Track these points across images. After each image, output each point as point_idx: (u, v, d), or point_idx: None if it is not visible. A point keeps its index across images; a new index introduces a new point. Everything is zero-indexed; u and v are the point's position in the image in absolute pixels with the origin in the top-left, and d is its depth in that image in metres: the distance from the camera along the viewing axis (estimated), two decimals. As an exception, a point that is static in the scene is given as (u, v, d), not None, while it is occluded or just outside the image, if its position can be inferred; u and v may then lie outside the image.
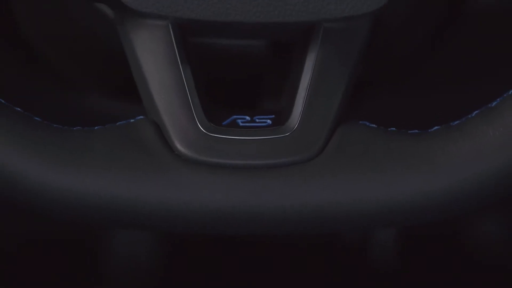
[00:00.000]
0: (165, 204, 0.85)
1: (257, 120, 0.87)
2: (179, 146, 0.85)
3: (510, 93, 0.85)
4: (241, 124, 0.86)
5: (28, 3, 1.10)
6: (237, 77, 0.93)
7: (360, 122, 0.86)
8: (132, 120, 0.86)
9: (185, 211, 0.85)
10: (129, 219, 0.86)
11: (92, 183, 0.85)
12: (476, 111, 0.86)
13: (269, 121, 0.87)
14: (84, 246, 1.42)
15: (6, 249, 1.43)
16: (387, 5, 0.84)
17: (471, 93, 0.89)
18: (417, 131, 0.86)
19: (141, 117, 0.86)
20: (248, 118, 0.87)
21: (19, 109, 0.85)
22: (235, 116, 0.87)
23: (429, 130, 0.86)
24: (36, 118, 0.86)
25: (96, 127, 0.86)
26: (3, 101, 0.85)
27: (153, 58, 0.85)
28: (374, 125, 0.86)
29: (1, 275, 1.42)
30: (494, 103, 0.86)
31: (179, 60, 0.85)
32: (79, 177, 0.85)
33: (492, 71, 0.93)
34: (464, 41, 1.13)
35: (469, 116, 0.86)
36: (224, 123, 0.86)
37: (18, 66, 1.13)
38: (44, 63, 1.14)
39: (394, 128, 0.86)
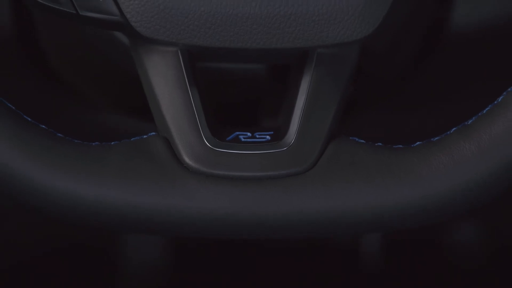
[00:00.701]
0: (175, 211, 0.84)
1: (257, 136, 0.86)
2: (187, 159, 0.84)
3: (484, 112, 0.85)
4: (243, 139, 0.86)
5: (53, 32, 1.10)
6: (239, 97, 0.92)
7: (350, 137, 0.86)
8: (145, 136, 0.86)
9: (192, 218, 0.85)
10: (141, 224, 0.86)
11: (109, 192, 0.84)
12: (454, 128, 0.86)
13: (268, 137, 0.86)
14: (99, 249, 1.41)
15: (30, 253, 1.42)
16: (373, 33, 0.83)
17: (449, 111, 0.88)
18: (401, 146, 0.86)
19: (153, 133, 0.86)
20: (249, 134, 0.86)
21: (43, 126, 0.85)
22: (237, 133, 0.86)
23: (412, 145, 0.85)
24: (59, 134, 0.85)
25: (112, 142, 0.86)
26: (29, 119, 0.85)
27: (164, 81, 0.85)
28: (362, 141, 0.86)
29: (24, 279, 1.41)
30: (470, 121, 0.85)
31: (187, 82, 0.84)
32: (98, 186, 0.84)
33: (468, 92, 0.92)
34: (443, 66, 1.12)
35: (448, 132, 0.86)
36: (227, 138, 0.85)
37: (43, 87, 1.13)
38: (66, 85, 1.14)
39: (380, 143, 0.85)
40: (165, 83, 0.85)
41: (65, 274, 1.42)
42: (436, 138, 0.85)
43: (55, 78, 1.13)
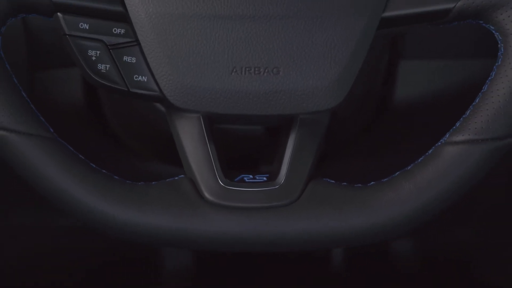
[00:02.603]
0: (198, 232, 0.84)
1: (257, 178, 0.86)
2: (206, 195, 0.84)
3: (419, 160, 0.85)
4: (246, 180, 0.86)
5: (113, 103, 1.09)
6: (244, 150, 0.92)
7: (324, 179, 0.85)
8: (176, 178, 0.85)
9: (211, 237, 0.84)
10: (173, 242, 0.85)
11: (150, 218, 0.84)
12: (398, 172, 0.85)
13: (265, 178, 0.86)
14: (141, 259, 1.40)
15: (96, 262, 1.42)
16: (339, 104, 0.83)
17: (394, 160, 0.88)
18: (360, 185, 0.85)
19: (182, 176, 0.85)
20: (251, 176, 0.86)
21: (104, 171, 0.85)
22: (243, 175, 0.86)
23: (368, 184, 0.85)
24: (115, 177, 0.85)
25: (153, 182, 0.85)
26: (94, 165, 0.84)
27: (190, 138, 0.85)
28: (332, 181, 0.85)
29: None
30: (409, 167, 0.85)
31: (206, 139, 0.84)
32: (143, 214, 0.84)
33: (407, 146, 0.91)
34: (389, 127, 1.12)
35: (393, 175, 0.85)
36: (235, 179, 0.85)
37: (104, 143, 1.12)
38: (120, 141, 1.13)
39: (345, 183, 0.85)
40: (191, 140, 0.84)
41: (117, 276, 1.42)
42: (385, 179, 0.85)
43: (113, 136, 1.13)
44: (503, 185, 1.26)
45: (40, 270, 1.39)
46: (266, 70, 0.82)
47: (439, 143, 0.84)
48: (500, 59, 0.83)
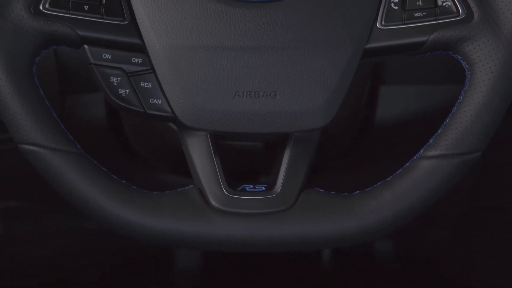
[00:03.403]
0: (205, 235, 0.84)
1: (257, 187, 0.85)
2: (213, 202, 0.84)
3: (397, 172, 0.85)
4: (248, 189, 0.85)
5: (132, 123, 1.09)
6: (246, 163, 0.92)
7: (315, 188, 0.85)
8: (186, 188, 0.85)
9: (217, 239, 0.84)
10: (183, 243, 0.85)
11: (163, 223, 0.83)
12: (379, 183, 0.85)
13: (263, 188, 0.85)
14: (155, 258, 1.40)
15: (111, 261, 1.42)
16: (328, 124, 0.83)
17: (377, 172, 0.87)
18: (346, 194, 0.85)
19: (191, 186, 0.85)
20: (252, 186, 0.86)
21: (124, 181, 0.84)
22: (244, 185, 0.86)
23: (353, 193, 0.85)
24: (133, 187, 0.85)
25: (166, 192, 0.85)
26: (115, 177, 0.84)
27: (198, 152, 0.84)
28: (322, 190, 0.85)
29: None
30: (389, 178, 0.85)
31: (212, 153, 0.84)
32: (158, 219, 0.83)
33: (387, 160, 0.91)
34: (371, 143, 1.11)
35: (375, 185, 0.85)
36: (238, 189, 0.85)
37: (124, 157, 1.12)
38: (138, 155, 1.13)
39: (334, 192, 0.85)
40: (199, 154, 0.84)
41: (134, 273, 1.42)
42: (368, 189, 0.85)
43: (131, 151, 1.13)
44: (469, 193, 1.26)
45: (67, 266, 1.38)
46: (265, 94, 0.82)
47: (415, 158, 0.84)
48: (467, 85, 0.83)
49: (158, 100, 0.83)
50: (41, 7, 0.81)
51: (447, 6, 0.83)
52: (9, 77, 0.80)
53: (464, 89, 0.83)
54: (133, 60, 0.82)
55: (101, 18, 0.82)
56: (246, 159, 0.93)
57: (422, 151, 0.84)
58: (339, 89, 0.83)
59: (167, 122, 0.87)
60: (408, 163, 0.84)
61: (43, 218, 1.31)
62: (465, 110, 0.83)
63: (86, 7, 0.81)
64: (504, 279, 1.28)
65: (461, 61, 0.84)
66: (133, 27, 0.82)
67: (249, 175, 0.90)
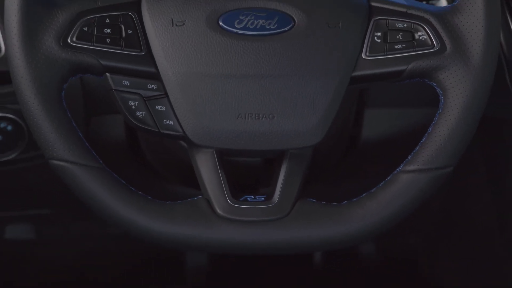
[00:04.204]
0: (212, 239, 0.83)
1: (257, 198, 0.84)
2: (218, 211, 0.83)
3: (380, 185, 0.84)
4: (249, 199, 0.84)
5: (146, 140, 1.09)
6: (247, 176, 0.91)
7: (308, 199, 0.84)
8: (195, 198, 0.84)
9: (222, 243, 0.83)
10: (192, 246, 0.84)
11: (176, 229, 0.83)
12: (364, 194, 0.84)
13: (263, 198, 0.84)
14: (168, 259, 1.40)
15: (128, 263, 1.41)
16: (320, 142, 0.83)
17: (362, 185, 0.87)
18: (335, 203, 0.84)
19: (200, 196, 0.84)
20: (253, 196, 0.85)
21: (141, 193, 0.84)
22: (246, 196, 0.85)
23: (342, 203, 0.84)
24: (149, 197, 0.84)
25: (178, 202, 0.84)
26: (133, 189, 0.83)
27: (206, 167, 0.84)
28: (314, 200, 0.84)
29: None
30: (373, 190, 0.84)
31: (218, 168, 0.83)
32: (170, 225, 0.83)
33: (373, 173, 0.91)
34: (357, 159, 1.11)
35: (361, 196, 0.84)
36: (241, 199, 0.84)
37: (140, 171, 1.12)
38: (153, 170, 1.12)
39: (324, 202, 0.84)
40: (206, 169, 0.83)
41: (150, 271, 1.41)
42: (354, 199, 0.84)
43: (147, 166, 1.12)
44: (440, 202, 1.26)
45: (91, 266, 1.38)
46: (264, 116, 0.82)
47: (396, 172, 0.83)
48: (441, 108, 0.83)
49: (170, 121, 0.82)
50: (69, 40, 0.81)
51: (423, 39, 0.82)
52: (41, 102, 0.80)
53: (438, 112, 0.83)
54: (149, 86, 0.82)
55: (121, 50, 0.81)
56: (248, 173, 0.92)
57: (402, 166, 0.83)
58: (329, 112, 0.82)
59: (179, 141, 0.86)
60: (389, 177, 0.84)
61: (70, 224, 1.30)
62: (439, 130, 0.82)
63: (108, 40, 0.81)
64: (469, 276, 1.27)
65: (435, 87, 0.83)
66: (149, 57, 0.82)
67: (250, 187, 0.89)
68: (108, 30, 0.81)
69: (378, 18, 0.83)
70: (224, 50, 0.81)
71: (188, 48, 0.81)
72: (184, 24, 0.81)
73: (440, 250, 1.35)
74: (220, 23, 0.82)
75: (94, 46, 0.81)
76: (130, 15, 0.82)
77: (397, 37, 0.83)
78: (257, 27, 0.82)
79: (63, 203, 1.09)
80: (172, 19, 0.81)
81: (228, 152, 0.83)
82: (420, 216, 0.88)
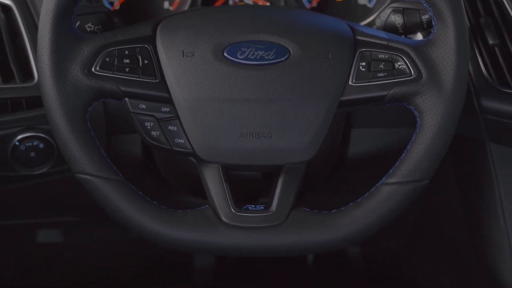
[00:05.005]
0: (218, 244, 0.82)
1: (257, 207, 0.84)
2: (223, 218, 0.82)
3: (365, 195, 0.84)
4: (250, 208, 0.83)
5: (160, 157, 1.08)
6: (248, 188, 0.90)
7: (302, 207, 0.83)
8: (203, 207, 0.83)
9: (227, 247, 0.82)
10: (200, 250, 0.83)
11: (186, 234, 0.82)
12: (351, 203, 0.84)
13: (262, 207, 0.84)
14: (179, 260, 1.39)
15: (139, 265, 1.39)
16: (312, 158, 0.82)
17: (350, 195, 0.86)
18: (326, 212, 0.84)
19: (207, 205, 0.83)
20: (253, 206, 0.84)
21: (155, 202, 0.83)
22: (247, 205, 0.84)
23: (331, 211, 0.83)
24: (162, 206, 0.83)
25: (188, 210, 0.83)
26: (148, 199, 0.83)
27: (212, 180, 0.83)
28: (307, 209, 0.83)
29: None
30: (359, 200, 0.84)
31: (223, 180, 0.83)
32: (180, 232, 0.82)
33: (359, 185, 0.90)
34: (346, 174, 1.10)
35: (349, 205, 0.84)
36: (243, 208, 0.83)
37: (155, 183, 1.11)
38: (166, 182, 1.12)
39: (316, 211, 0.83)
40: (213, 181, 0.83)
41: (163, 271, 1.40)
42: (342, 208, 0.83)
43: (161, 179, 1.11)
44: (418, 210, 1.25)
45: (111, 267, 1.37)
46: (263, 135, 0.81)
47: (378, 184, 0.83)
48: (418, 128, 0.82)
49: (181, 140, 0.81)
50: (93, 69, 0.80)
51: (402, 68, 0.82)
52: (68, 123, 0.79)
53: (415, 132, 0.82)
54: (163, 109, 0.81)
55: (138, 78, 0.81)
56: (249, 185, 0.91)
57: (384, 179, 0.83)
58: (320, 132, 0.81)
59: (189, 157, 0.86)
60: (373, 188, 0.83)
61: (93, 229, 1.29)
62: (416, 148, 0.81)
63: (127, 69, 0.81)
64: (444, 275, 1.26)
65: (413, 110, 0.83)
66: (163, 84, 0.81)
67: (251, 197, 0.88)
68: (127, 61, 0.81)
69: (362, 49, 0.83)
70: (228, 77, 0.81)
71: (196, 76, 0.81)
72: (193, 55, 0.81)
73: (417, 252, 1.34)
74: (225, 54, 0.81)
75: (115, 74, 0.81)
76: (146, 47, 0.82)
77: (380, 66, 0.82)
78: (257, 57, 0.81)
79: (87, 211, 1.08)
80: (182, 51, 0.81)
81: (232, 166, 0.83)
82: (400, 222, 0.86)
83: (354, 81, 0.82)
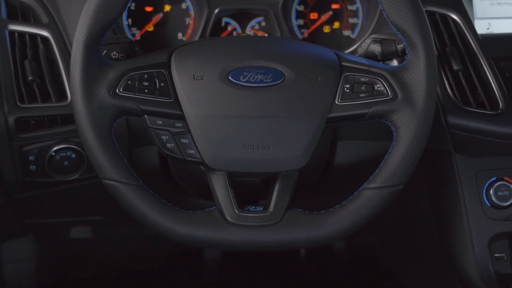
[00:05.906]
0: (224, 240, 0.81)
1: (257, 208, 0.83)
2: (228, 218, 0.81)
3: (349, 198, 0.83)
4: (251, 209, 0.82)
5: (175, 166, 1.07)
6: (249, 192, 0.89)
7: (295, 208, 0.83)
8: (211, 208, 0.82)
9: (231, 243, 0.81)
10: (208, 245, 0.82)
11: (196, 232, 0.81)
12: (337, 205, 0.83)
13: (261, 208, 0.83)
14: (189, 254, 1.37)
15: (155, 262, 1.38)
16: (304, 166, 0.82)
17: (336, 198, 0.86)
18: (316, 212, 0.83)
19: (214, 207, 0.82)
20: (254, 207, 0.83)
21: (170, 204, 0.82)
22: (249, 206, 0.83)
23: (320, 212, 0.83)
24: (176, 208, 0.82)
25: (198, 211, 0.82)
26: (163, 201, 0.82)
27: (219, 185, 0.82)
28: (300, 210, 0.82)
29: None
30: (344, 202, 0.83)
31: (228, 186, 0.82)
32: (191, 229, 0.81)
33: (344, 190, 0.89)
34: (333, 179, 1.09)
35: (335, 207, 0.83)
36: (245, 209, 0.82)
37: (170, 188, 1.10)
38: (179, 187, 1.11)
39: (307, 211, 0.82)
40: (219, 186, 0.82)
41: (176, 264, 1.39)
42: (330, 209, 0.82)
43: (175, 184, 1.10)
44: (394, 210, 1.24)
45: (134, 260, 1.36)
46: (262, 147, 0.80)
47: (360, 189, 0.82)
48: (394, 141, 0.81)
49: (192, 151, 0.81)
50: (117, 91, 0.80)
51: (380, 89, 0.81)
52: (96, 137, 0.79)
53: (392, 144, 0.82)
54: (176, 124, 0.81)
55: (156, 98, 0.80)
56: (250, 189, 0.90)
57: (365, 184, 0.82)
58: (311, 144, 0.81)
59: (198, 165, 0.85)
60: (356, 192, 0.82)
61: (118, 227, 1.28)
62: (393, 157, 0.81)
63: (146, 90, 0.80)
64: (415, 266, 1.25)
65: (390, 125, 0.82)
66: (176, 103, 0.81)
67: (252, 199, 0.87)
68: (146, 83, 0.80)
69: (347, 74, 0.82)
70: (232, 97, 0.80)
71: (205, 96, 0.80)
72: (202, 78, 0.81)
73: (392, 246, 1.33)
74: (230, 77, 0.81)
75: (135, 95, 0.80)
76: (163, 72, 0.81)
77: (361, 88, 0.82)
78: (257, 80, 0.81)
79: (113, 212, 1.06)
80: (193, 75, 0.81)
81: (236, 174, 0.82)
82: (378, 220, 0.85)
83: (339, 100, 0.82)
